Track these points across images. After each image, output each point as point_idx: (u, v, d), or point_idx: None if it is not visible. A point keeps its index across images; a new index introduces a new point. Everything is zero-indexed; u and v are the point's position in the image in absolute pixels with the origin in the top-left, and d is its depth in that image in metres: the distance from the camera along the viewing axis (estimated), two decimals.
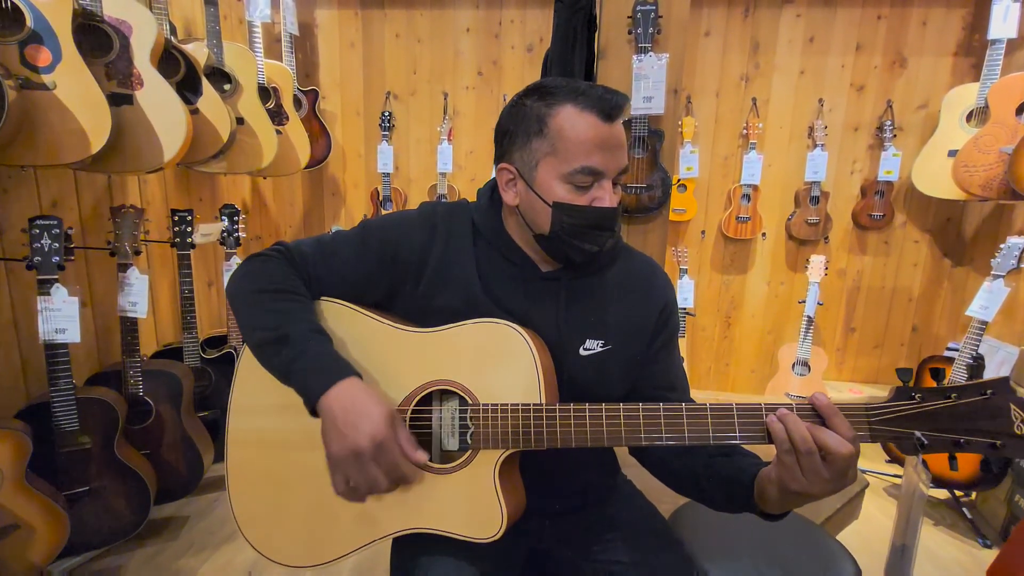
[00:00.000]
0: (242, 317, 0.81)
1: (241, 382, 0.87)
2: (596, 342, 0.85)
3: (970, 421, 0.63)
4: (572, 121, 0.75)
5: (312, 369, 0.74)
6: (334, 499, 0.81)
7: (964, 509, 1.99)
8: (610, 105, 0.75)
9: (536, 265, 0.86)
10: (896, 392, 0.67)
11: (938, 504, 2.08)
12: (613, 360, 0.86)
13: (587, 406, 0.73)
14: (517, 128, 0.80)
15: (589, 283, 0.87)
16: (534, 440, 0.74)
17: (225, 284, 0.88)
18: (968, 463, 1.89)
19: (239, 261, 1.86)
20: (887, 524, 1.95)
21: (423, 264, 0.85)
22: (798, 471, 0.65)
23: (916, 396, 0.65)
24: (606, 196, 0.77)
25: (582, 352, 0.84)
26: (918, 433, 0.64)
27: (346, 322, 0.84)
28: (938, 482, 1.96)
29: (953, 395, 0.64)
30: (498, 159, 0.84)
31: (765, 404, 0.69)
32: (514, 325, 0.77)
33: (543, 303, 0.85)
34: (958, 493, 2.04)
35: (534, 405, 0.75)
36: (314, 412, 0.74)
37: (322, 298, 0.85)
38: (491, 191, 0.89)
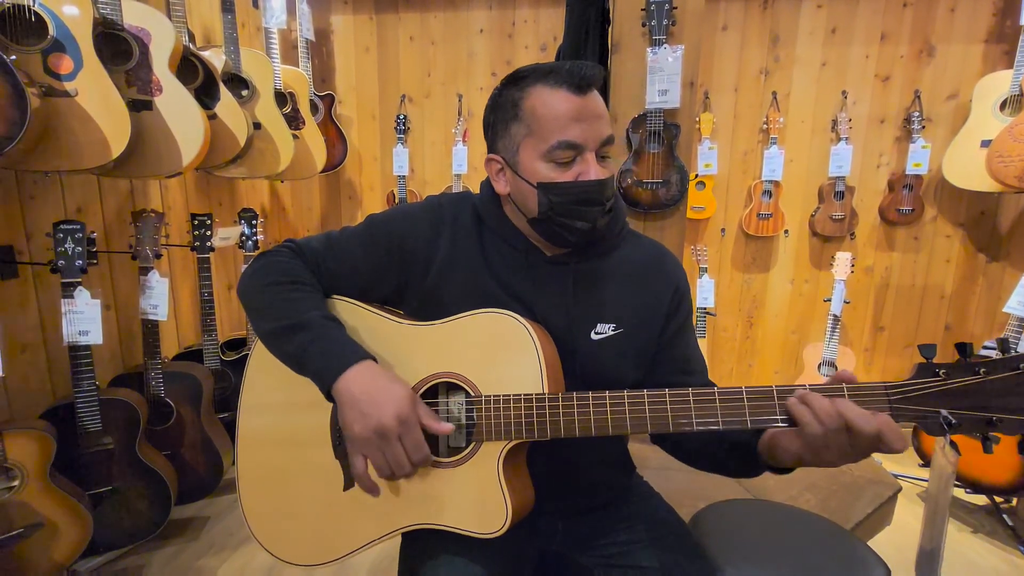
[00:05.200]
0: (254, 309, 0.82)
1: (250, 381, 0.87)
2: (607, 326, 0.83)
3: (1002, 398, 0.59)
4: (544, 99, 0.75)
5: (327, 352, 0.74)
6: (341, 496, 0.80)
7: (1004, 515, 1.89)
8: (579, 77, 0.74)
9: (540, 250, 0.85)
10: (919, 369, 0.63)
11: (976, 510, 1.98)
12: (625, 344, 0.84)
13: (590, 394, 0.72)
14: (497, 118, 0.80)
15: (597, 266, 0.85)
16: (536, 430, 0.72)
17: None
18: (1007, 468, 1.80)
19: None
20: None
21: (431, 256, 0.84)
22: (826, 451, 0.63)
23: (941, 372, 0.61)
24: (590, 170, 0.76)
25: (593, 336, 0.83)
26: (945, 411, 0.60)
27: (349, 318, 0.83)
28: (977, 487, 1.87)
29: (982, 370, 0.60)
30: (487, 152, 0.84)
31: (776, 387, 0.67)
32: (515, 315, 0.76)
33: (551, 288, 0.83)
34: (998, 499, 1.95)
35: (536, 395, 0.73)
36: (329, 396, 0.73)
37: (335, 296, 0.85)
38: (491, 182, 0.88)
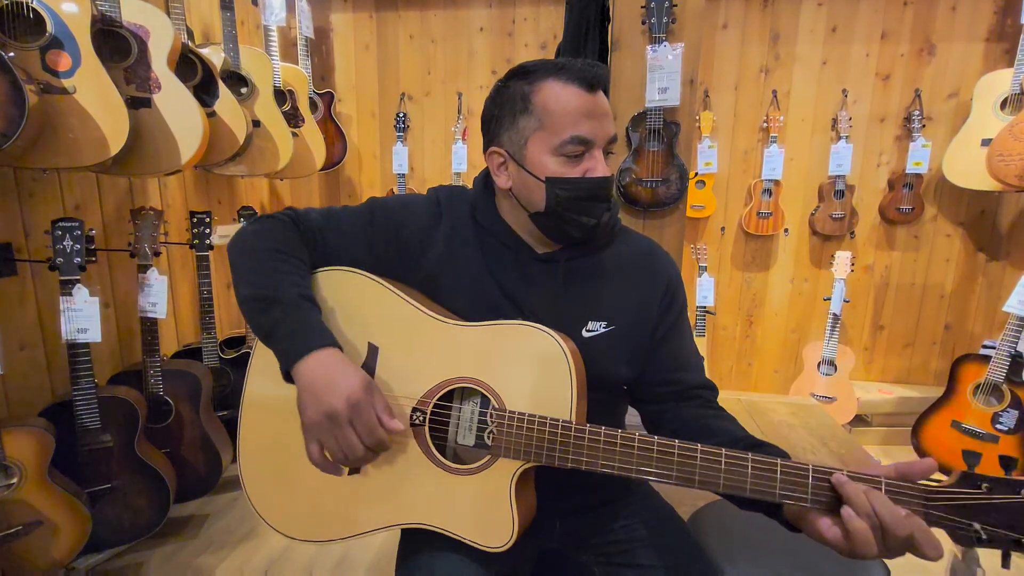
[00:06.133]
0: (238, 269, 0.81)
1: (262, 348, 0.86)
2: (599, 323, 0.83)
3: None
4: (556, 93, 0.75)
5: (293, 334, 0.74)
6: (346, 479, 0.79)
7: None
8: (591, 75, 0.75)
9: (531, 248, 0.85)
10: (961, 477, 0.61)
11: None
12: (618, 341, 0.83)
13: (619, 433, 0.69)
14: (502, 111, 0.80)
15: (587, 263, 0.85)
16: (558, 458, 0.71)
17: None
18: None
19: None
20: None
21: (427, 245, 0.85)
22: (882, 550, 0.59)
23: (983, 486, 0.60)
24: (598, 166, 0.76)
25: (585, 334, 0.82)
26: (977, 525, 0.59)
27: (378, 300, 0.82)
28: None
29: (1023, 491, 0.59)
30: (487, 145, 0.84)
31: (813, 466, 0.63)
32: (555, 335, 0.74)
33: (542, 286, 0.83)
34: None
35: (563, 421, 0.71)
36: (288, 377, 0.74)
37: (357, 271, 0.84)
38: (484, 179, 0.89)
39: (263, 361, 0.85)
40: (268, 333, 0.76)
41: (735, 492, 0.65)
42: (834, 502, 0.62)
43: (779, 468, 0.64)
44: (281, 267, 0.79)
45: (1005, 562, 0.61)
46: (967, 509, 0.60)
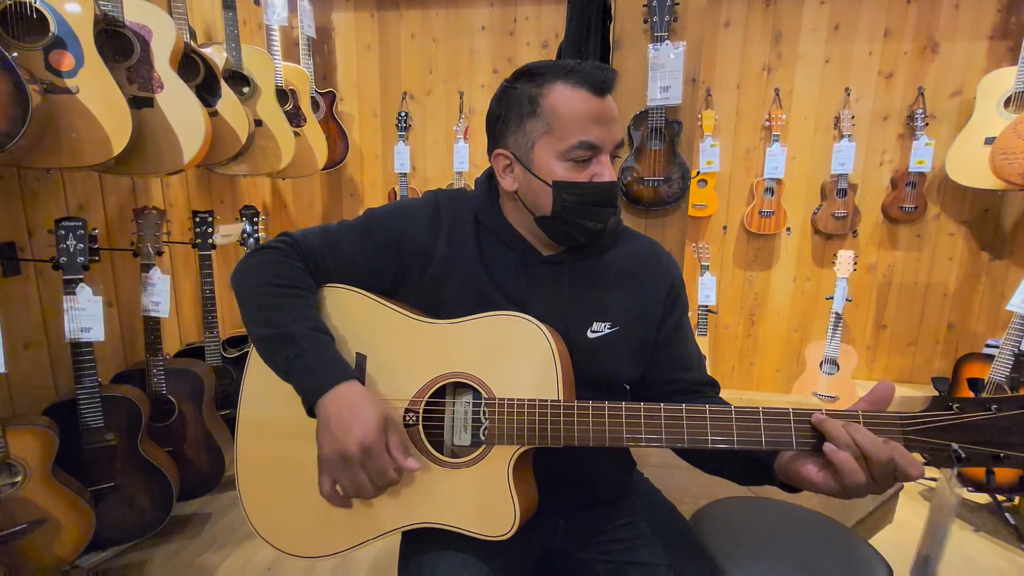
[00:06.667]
0: (246, 310, 0.81)
1: (253, 369, 0.86)
2: (603, 324, 0.83)
3: (1011, 435, 0.60)
4: (565, 97, 0.74)
5: (311, 370, 0.74)
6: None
7: (1007, 514, 1.89)
8: (600, 79, 0.74)
9: (537, 250, 0.85)
10: (932, 401, 0.64)
11: (978, 509, 1.98)
12: (622, 342, 0.84)
13: (607, 404, 0.71)
14: (509, 112, 0.79)
15: (592, 265, 0.85)
16: (550, 437, 0.72)
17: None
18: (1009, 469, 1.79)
19: None
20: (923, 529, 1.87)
21: (429, 254, 0.84)
22: (869, 481, 0.61)
23: (954, 406, 0.62)
24: (605, 171, 0.76)
25: (590, 335, 0.83)
26: (955, 445, 0.62)
27: (362, 310, 0.83)
28: (979, 486, 1.87)
29: (993, 407, 0.61)
30: (492, 147, 0.83)
31: (793, 409, 0.66)
32: (533, 320, 0.75)
33: (547, 288, 0.83)
34: (1000, 498, 1.94)
35: (551, 401, 0.72)
36: (311, 412, 0.74)
37: (339, 285, 0.85)
38: (488, 180, 0.88)
39: (257, 379, 0.85)
40: (286, 371, 0.76)
41: (724, 444, 0.67)
42: (818, 444, 0.64)
43: (761, 414, 0.66)
44: (287, 300, 0.79)
45: (989, 479, 0.63)
46: (943, 430, 0.63)
